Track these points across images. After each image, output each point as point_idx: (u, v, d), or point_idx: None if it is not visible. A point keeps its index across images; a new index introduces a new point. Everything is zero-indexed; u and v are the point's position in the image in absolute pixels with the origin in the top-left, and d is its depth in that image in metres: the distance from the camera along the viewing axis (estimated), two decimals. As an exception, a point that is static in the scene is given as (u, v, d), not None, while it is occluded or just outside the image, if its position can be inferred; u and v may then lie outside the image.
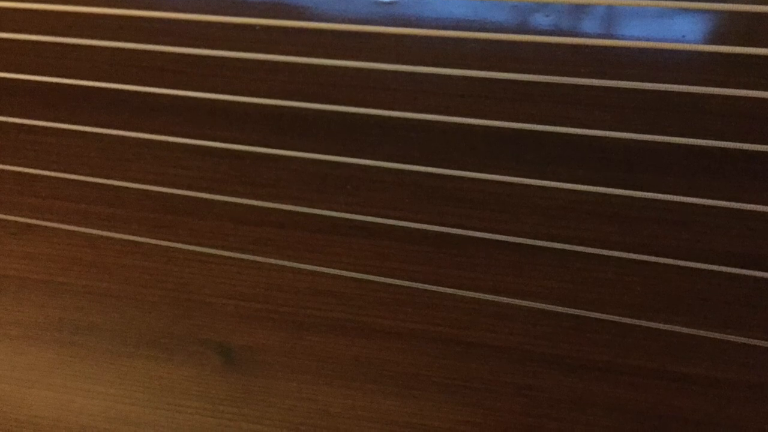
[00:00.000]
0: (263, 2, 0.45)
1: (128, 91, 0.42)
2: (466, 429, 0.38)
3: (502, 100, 0.41)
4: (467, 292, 0.39)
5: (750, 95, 0.36)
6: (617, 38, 0.42)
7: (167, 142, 0.42)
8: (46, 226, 0.43)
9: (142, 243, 0.42)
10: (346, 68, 0.41)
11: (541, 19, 0.42)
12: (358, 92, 0.42)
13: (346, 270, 0.40)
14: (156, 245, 0.42)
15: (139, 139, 0.42)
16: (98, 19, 0.44)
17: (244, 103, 0.42)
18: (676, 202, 0.37)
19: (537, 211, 0.39)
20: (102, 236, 0.43)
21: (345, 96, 0.42)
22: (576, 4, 0.42)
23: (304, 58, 0.40)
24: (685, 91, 0.37)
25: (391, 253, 0.40)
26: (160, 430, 0.40)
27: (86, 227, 0.43)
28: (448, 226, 0.39)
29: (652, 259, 0.37)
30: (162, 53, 0.42)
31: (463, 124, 0.40)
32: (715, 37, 0.41)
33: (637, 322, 0.37)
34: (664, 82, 0.37)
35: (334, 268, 0.40)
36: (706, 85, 0.36)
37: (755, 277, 0.37)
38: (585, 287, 0.38)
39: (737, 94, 0.36)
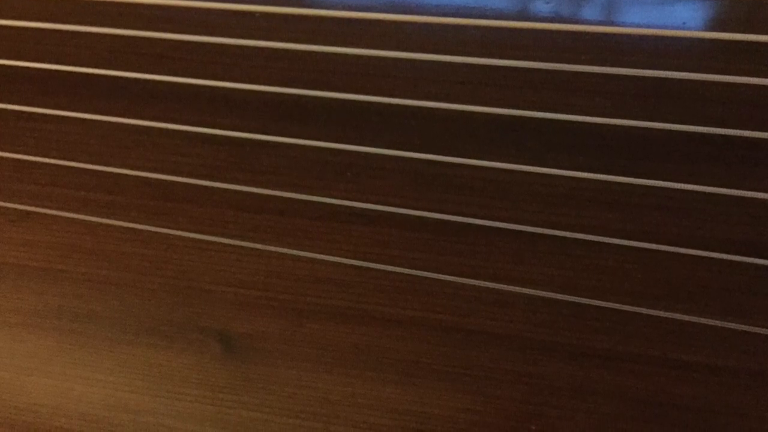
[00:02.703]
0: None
1: (128, 78, 0.42)
2: (467, 416, 0.38)
3: (502, 87, 0.41)
4: (467, 279, 0.39)
5: (751, 82, 0.36)
6: (618, 25, 0.41)
7: (167, 130, 0.42)
8: (45, 214, 0.43)
9: (141, 230, 0.42)
10: (346, 55, 0.41)
11: (541, 6, 0.42)
12: (358, 79, 0.42)
13: (346, 257, 0.40)
14: (155, 232, 0.42)
15: (139, 126, 0.42)
16: (98, 6, 0.44)
17: (243, 90, 0.42)
18: (677, 190, 0.37)
19: (537, 199, 0.39)
20: (101, 223, 0.43)
21: (345, 83, 0.42)
22: (576, -9, 0.42)
23: (304, 45, 0.40)
24: (686, 78, 0.37)
25: (391, 240, 0.40)
26: (159, 418, 0.40)
27: (86, 214, 0.43)
28: (448, 214, 0.39)
29: (653, 246, 0.37)
30: (162, 40, 0.42)
31: (464, 111, 0.40)
32: (716, 24, 0.41)
33: (637, 309, 0.37)
34: (664, 69, 0.37)
35: (334, 255, 0.40)
36: (707, 72, 0.36)
37: (756, 265, 0.37)
38: (585, 275, 0.38)
39: (738, 81, 0.36)
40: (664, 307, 0.37)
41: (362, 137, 0.41)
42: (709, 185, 0.36)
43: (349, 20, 0.42)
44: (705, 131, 0.37)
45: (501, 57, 0.38)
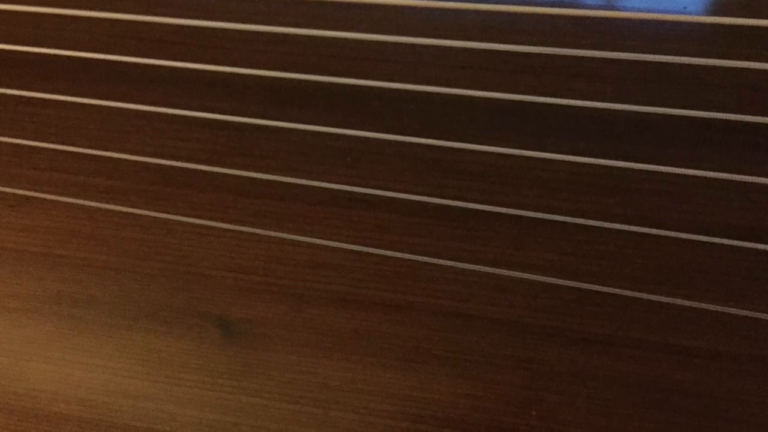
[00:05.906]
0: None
1: (127, 63, 0.42)
2: (467, 402, 0.38)
3: (502, 72, 0.41)
4: (467, 264, 0.39)
5: (752, 67, 0.36)
6: (619, 10, 0.41)
7: (166, 114, 0.42)
8: (44, 199, 0.43)
9: (140, 215, 0.42)
10: (346, 40, 0.41)
11: (542, -10, 0.42)
12: (357, 64, 0.42)
13: (346, 242, 0.40)
14: (155, 217, 0.42)
15: (138, 111, 0.42)
16: (97, -9, 0.44)
17: (243, 75, 0.42)
18: (678, 175, 0.37)
19: (538, 184, 0.39)
20: (101, 208, 0.42)
21: (345, 68, 0.42)
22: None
23: (304, 30, 0.40)
24: (687, 62, 0.37)
25: (391, 225, 0.40)
26: (158, 403, 0.40)
27: (85, 199, 0.43)
28: (448, 199, 0.39)
29: (654, 231, 0.37)
30: (161, 25, 0.42)
31: (464, 95, 0.40)
32: (717, 9, 0.41)
33: (638, 294, 0.37)
34: (665, 54, 0.37)
35: (333, 240, 0.40)
36: (708, 57, 0.36)
37: (757, 250, 0.37)
38: (586, 260, 0.38)
39: (739, 66, 0.36)
40: (665, 293, 0.37)
41: (362, 122, 0.41)
42: (709, 170, 0.36)
43: (349, 4, 0.42)
44: (706, 116, 0.37)
45: (501, 42, 0.38)
